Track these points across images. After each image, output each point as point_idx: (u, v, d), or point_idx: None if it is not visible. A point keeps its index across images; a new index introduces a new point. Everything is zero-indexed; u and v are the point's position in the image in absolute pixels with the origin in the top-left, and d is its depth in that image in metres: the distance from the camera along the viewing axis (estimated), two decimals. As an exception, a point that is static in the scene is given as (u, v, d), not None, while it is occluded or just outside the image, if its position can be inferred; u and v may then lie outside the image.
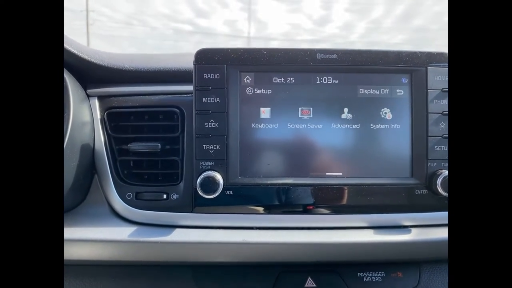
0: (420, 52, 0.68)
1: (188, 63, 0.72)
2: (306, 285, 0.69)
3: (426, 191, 0.66)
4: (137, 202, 0.68)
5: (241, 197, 0.65)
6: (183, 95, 0.72)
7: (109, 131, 0.71)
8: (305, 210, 0.67)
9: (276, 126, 0.67)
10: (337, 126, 0.67)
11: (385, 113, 0.68)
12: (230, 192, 0.65)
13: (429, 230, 0.68)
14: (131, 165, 0.71)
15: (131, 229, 0.65)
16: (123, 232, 0.65)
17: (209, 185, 0.62)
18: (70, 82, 0.66)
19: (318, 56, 0.67)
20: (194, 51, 0.67)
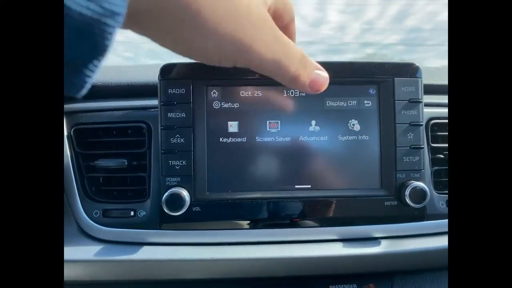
0: (387, 63, 0.68)
1: (156, 77, 0.72)
2: (276, 300, 0.68)
3: (396, 202, 0.66)
4: (104, 219, 0.67)
5: (209, 213, 0.64)
6: (150, 110, 0.71)
7: (76, 148, 0.70)
8: (274, 224, 0.66)
9: (244, 139, 0.66)
10: (305, 138, 0.67)
11: (353, 124, 0.68)
12: (198, 208, 0.64)
13: (400, 241, 0.68)
14: (100, 181, 0.70)
15: (98, 247, 0.65)
16: (89, 251, 0.64)
17: (175, 202, 0.62)
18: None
19: (284, 69, 0.66)
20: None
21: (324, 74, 0.40)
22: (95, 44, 0.24)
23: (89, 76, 0.26)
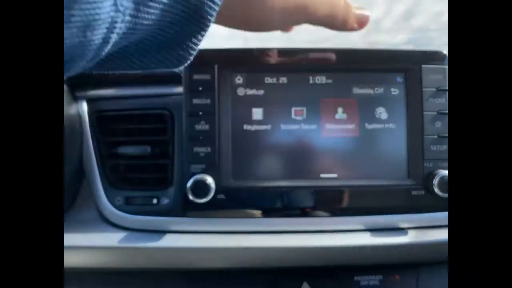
0: (414, 51, 0.66)
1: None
2: (301, 290, 0.67)
3: (423, 192, 0.65)
4: (126, 207, 0.66)
5: (233, 201, 0.63)
6: (173, 97, 0.70)
7: (98, 135, 0.69)
8: (299, 213, 0.65)
9: (268, 127, 0.65)
10: (331, 126, 0.65)
11: (380, 112, 0.66)
12: (222, 196, 0.63)
13: (427, 231, 0.67)
14: (121, 169, 0.69)
15: (121, 235, 0.64)
16: (112, 238, 0.63)
17: (200, 189, 0.61)
18: (57, 85, 0.65)
19: (311, 55, 0.65)
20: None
21: (365, 13, 0.45)
22: (200, 22, 0.29)
23: (193, 49, 0.31)
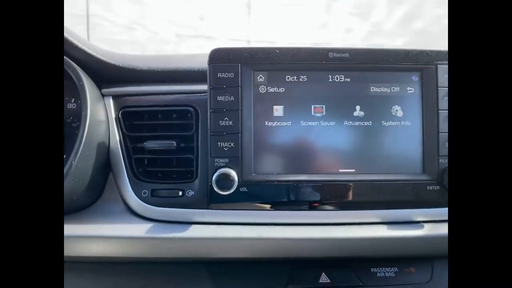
0: (430, 51, 0.69)
1: (200, 63, 0.74)
2: (320, 280, 0.69)
3: (438, 187, 0.67)
4: (152, 199, 0.69)
5: (255, 194, 0.66)
6: (196, 94, 0.73)
7: (124, 130, 0.72)
8: (318, 206, 0.67)
9: (289, 123, 0.68)
10: (349, 123, 0.68)
11: (396, 110, 0.69)
12: (245, 189, 0.66)
13: (441, 225, 0.69)
14: (146, 163, 0.72)
15: (147, 226, 0.66)
16: (139, 229, 0.66)
17: (224, 181, 0.63)
18: (86, 82, 0.67)
19: (330, 55, 0.68)
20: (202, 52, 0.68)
21: None
22: None
23: None
